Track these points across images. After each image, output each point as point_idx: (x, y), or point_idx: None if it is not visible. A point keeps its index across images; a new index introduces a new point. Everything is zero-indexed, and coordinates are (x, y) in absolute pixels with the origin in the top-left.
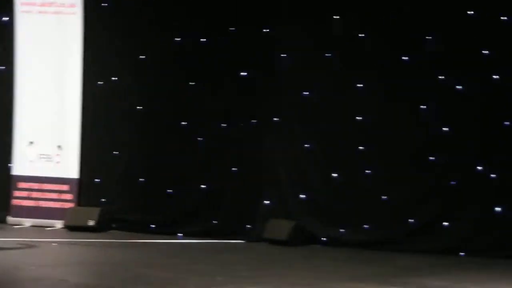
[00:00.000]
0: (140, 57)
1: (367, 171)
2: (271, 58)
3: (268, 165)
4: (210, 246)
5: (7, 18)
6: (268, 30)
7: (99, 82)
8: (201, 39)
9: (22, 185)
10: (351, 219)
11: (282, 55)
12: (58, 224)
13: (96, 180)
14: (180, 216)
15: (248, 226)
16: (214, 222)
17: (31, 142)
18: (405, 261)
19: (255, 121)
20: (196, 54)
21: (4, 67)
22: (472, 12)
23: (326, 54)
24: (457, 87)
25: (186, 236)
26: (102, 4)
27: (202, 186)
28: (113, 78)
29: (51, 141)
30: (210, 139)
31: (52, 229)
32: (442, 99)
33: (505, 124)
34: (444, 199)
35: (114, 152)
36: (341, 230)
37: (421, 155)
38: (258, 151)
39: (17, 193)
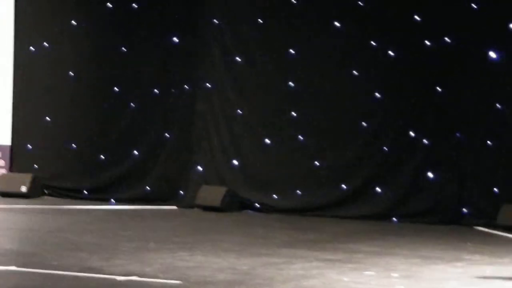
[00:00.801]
0: (72, 22)
1: (299, 137)
2: (203, 23)
3: (200, 132)
4: (143, 212)
5: None
6: None
7: (30, 48)
8: (133, 5)
9: None
10: (284, 186)
11: (213, 20)
12: None
13: (28, 146)
14: (112, 182)
15: (181, 192)
16: (146, 188)
17: None
18: (337, 227)
19: (187, 87)
20: (129, 20)
21: None
22: None
23: (258, 20)
24: (389, 52)
25: (118, 202)
26: None
27: (135, 152)
28: (45, 44)
29: None
30: (143, 105)
31: None
32: (373, 65)
33: (437, 89)
34: (376, 165)
35: (46, 119)
36: (274, 196)
37: (353, 121)
38: (191, 117)
39: None
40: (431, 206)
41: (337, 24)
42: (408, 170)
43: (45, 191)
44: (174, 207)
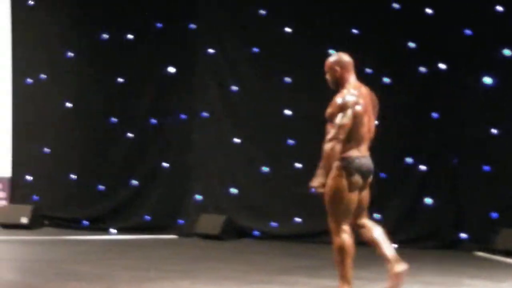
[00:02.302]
0: (69, 54)
1: (296, 164)
2: (198, 53)
3: (197, 160)
4: (142, 242)
5: None
6: (194, 25)
7: (28, 79)
8: (129, 36)
9: None
10: (282, 213)
11: (208, 50)
12: None
13: (28, 177)
14: (112, 212)
15: (180, 221)
16: (145, 217)
17: None
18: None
19: (184, 116)
20: (123, 51)
21: None
22: (397, 5)
23: (253, 49)
24: (384, 79)
25: (118, 232)
26: (29, 2)
27: (133, 181)
28: (42, 76)
29: None
30: (140, 134)
31: None
32: None
33: (433, 116)
34: (373, 191)
35: (45, 149)
36: (272, 223)
37: None
38: (188, 146)
39: None
40: (429, 231)
41: (331, 51)
42: (405, 196)
43: (45, 222)
44: (174, 236)
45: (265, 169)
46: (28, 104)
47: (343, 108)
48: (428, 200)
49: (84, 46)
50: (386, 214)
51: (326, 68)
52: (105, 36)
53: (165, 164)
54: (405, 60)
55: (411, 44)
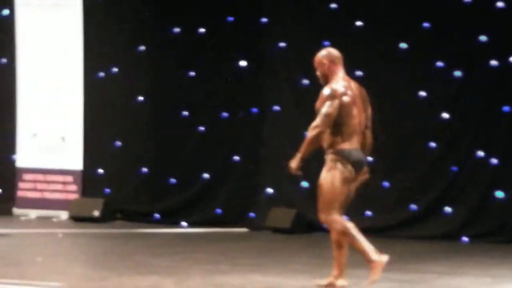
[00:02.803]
0: (140, 47)
1: (368, 158)
2: (269, 47)
3: (268, 154)
4: (214, 235)
5: (7, 11)
6: (265, 19)
7: (100, 73)
8: (200, 30)
9: (27, 176)
10: (353, 206)
11: (279, 43)
12: (64, 215)
13: (100, 171)
14: (183, 205)
15: (251, 214)
16: (217, 210)
17: (35, 134)
18: (406, 247)
19: (255, 110)
20: (195, 44)
21: (6, 60)
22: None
23: (324, 42)
24: (456, 73)
25: (189, 225)
26: None
27: (205, 175)
28: (114, 69)
29: (54, 133)
30: (211, 128)
31: (57, 220)
32: (440, 86)
33: (504, 109)
34: (445, 185)
35: (117, 143)
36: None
37: (421, 142)
38: (259, 139)
39: (22, 185)
40: (500, 225)
41: (403, 45)
42: (476, 189)
43: (117, 215)
44: (245, 229)
45: None
46: (100, 98)
47: (330, 98)
48: (499, 194)
49: (156, 40)
50: (457, 208)
51: (316, 63)
52: (177, 30)
53: (236, 158)
54: (476, 54)
55: (482, 38)
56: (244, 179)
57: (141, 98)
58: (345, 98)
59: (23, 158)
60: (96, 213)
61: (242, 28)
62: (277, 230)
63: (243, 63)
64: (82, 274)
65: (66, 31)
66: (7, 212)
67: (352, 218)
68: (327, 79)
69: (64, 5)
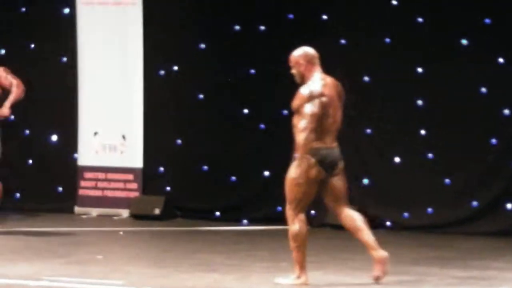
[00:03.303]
0: (201, 45)
1: (428, 154)
2: (330, 44)
3: None
4: (274, 232)
5: (68, 10)
6: (325, 16)
7: (161, 72)
8: (261, 27)
9: (88, 175)
10: (414, 203)
11: (340, 40)
12: (124, 213)
13: (160, 168)
14: (243, 203)
15: (312, 211)
16: (277, 208)
17: (96, 133)
18: (468, 244)
19: None
20: (255, 42)
21: (66, 59)
22: None
23: (385, 39)
24: None
25: (250, 222)
26: None
27: (265, 172)
28: (174, 67)
29: (115, 131)
30: (272, 125)
31: (118, 218)
32: (501, 81)
33: None
34: (507, 181)
35: (177, 141)
36: (404, 214)
37: (482, 138)
38: None
39: (83, 183)
40: None
41: (464, 41)
42: None
43: (178, 213)
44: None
45: (396, 159)
46: (160, 95)
47: (310, 98)
48: None
49: (217, 37)
50: None
51: (291, 62)
52: (237, 27)
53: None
54: None
55: None
56: None
57: (201, 95)
58: (323, 99)
59: (84, 156)
60: (157, 211)
61: (302, 25)
62: (338, 227)
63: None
64: (142, 272)
65: (126, 29)
66: (69, 211)
67: (413, 214)
68: (303, 79)
69: (125, 3)
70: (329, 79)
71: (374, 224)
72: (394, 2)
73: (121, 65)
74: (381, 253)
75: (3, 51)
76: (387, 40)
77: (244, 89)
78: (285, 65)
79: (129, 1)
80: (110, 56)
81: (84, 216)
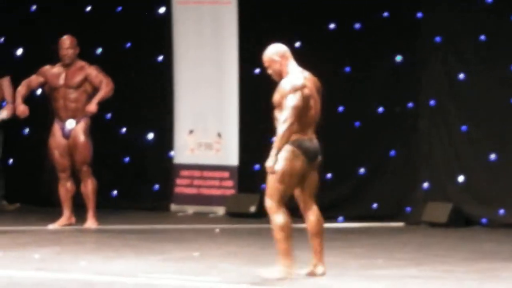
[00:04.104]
0: (296, 44)
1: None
2: (425, 41)
3: (424, 149)
4: (370, 230)
5: (163, 9)
6: (421, 14)
7: (256, 70)
8: (356, 25)
9: (184, 173)
10: (510, 200)
11: (436, 38)
12: (220, 210)
13: (256, 166)
14: (339, 200)
15: (407, 208)
16: (373, 205)
17: (191, 131)
18: None
19: (411, 104)
20: (351, 40)
21: (162, 57)
22: None
23: (480, 37)
24: None
25: (346, 219)
26: None
27: (361, 170)
28: None
29: (211, 129)
30: (367, 123)
31: (214, 216)
32: None
33: None
34: None
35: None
36: (500, 211)
37: None
38: (414, 134)
39: (179, 181)
40: None
41: None
42: None
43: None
44: (401, 224)
45: (492, 156)
46: (255, 93)
47: (292, 91)
48: None
49: (312, 36)
50: None
51: (266, 63)
52: (332, 26)
53: (392, 153)
54: None
55: None
56: (400, 173)
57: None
58: (306, 91)
59: (180, 154)
60: (253, 209)
61: (397, 23)
62: (433, 225)
63: (399, 57)
64: (239, 269)
65: (221, 28)
66: (165, 209)
67: (509, 211)
68: (281, 75)
69: (221, 2)
70: (306, 73)
71: (469, 221)
72: (489, 0)
73: (216, 63)
74: (322, 270)
75: (99, 50)
76: (482, 37)
77: (339, 87)
78: (380, 63)
79: (224, 0)
80: (205, 55)
81: (180, 214)
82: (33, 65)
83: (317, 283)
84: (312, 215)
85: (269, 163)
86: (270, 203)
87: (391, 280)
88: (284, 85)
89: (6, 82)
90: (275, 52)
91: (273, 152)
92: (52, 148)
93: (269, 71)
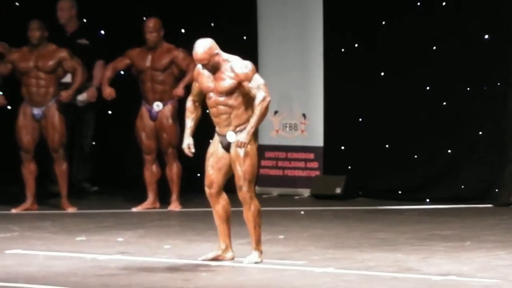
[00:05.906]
0: (383, 22)
1: None
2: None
3: None
4: (457, 211)
5: None
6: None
7: (341, 49)
8: (443, 2)
9: (269, 154)
10: None
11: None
12: (305, 192)
13: (341, 147)
14: (426, 181)
15: (496, 190)
16: (461, 186)
17: (276, 112)
18: None
19: (500, 83)
20: (438, 17)
21: (246, 39)
22: None
23: None
24: None
25: (433, 201)
26: None
27: (448, 150)
28: (356, 46)
29: (295, 110)
30: (455, 103)
31: (299, 198)
32: None
33: None
34: None
35: (358, 119)
36: None
37: None
38: (503, 114)
39: (264, 163)
40: None
41: None
42: None
43: (359, 192)
44: (489, 205)
45: None
46: (341, 73)
47: (254, 71)
48: None
49: (401, 14)
50: None
51: (205, 60)
52: (418, 3)
53: (480, 133)
54: None
55: None
56: (489, 154)
57: (382, 73)
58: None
59: (265, 136)
60: (338, 191)
61: (486, 2)
62: None
63: (486, 36)
64: (324, 252)
65: (307, 9)
66: None
67: None
68: (220, 65)
69: None
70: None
71: None
72: None
73: (301, 44)
74: (230, 254)
75: (183, 30)
76: None
77: (426, 66)
78: (469, 41)
79: None
80: (291, 36)
81: (264, 196)
82: (118, 48)
83: (402, 267)
84: (224, 200)
85: (245, 139)
86: (248, 190)
87: (479, 263)
88: (239, 69)
89: (98, 65)
90: (211, 46)
91: (250, 130)
92: (139, 130)
93: (208, 67)
